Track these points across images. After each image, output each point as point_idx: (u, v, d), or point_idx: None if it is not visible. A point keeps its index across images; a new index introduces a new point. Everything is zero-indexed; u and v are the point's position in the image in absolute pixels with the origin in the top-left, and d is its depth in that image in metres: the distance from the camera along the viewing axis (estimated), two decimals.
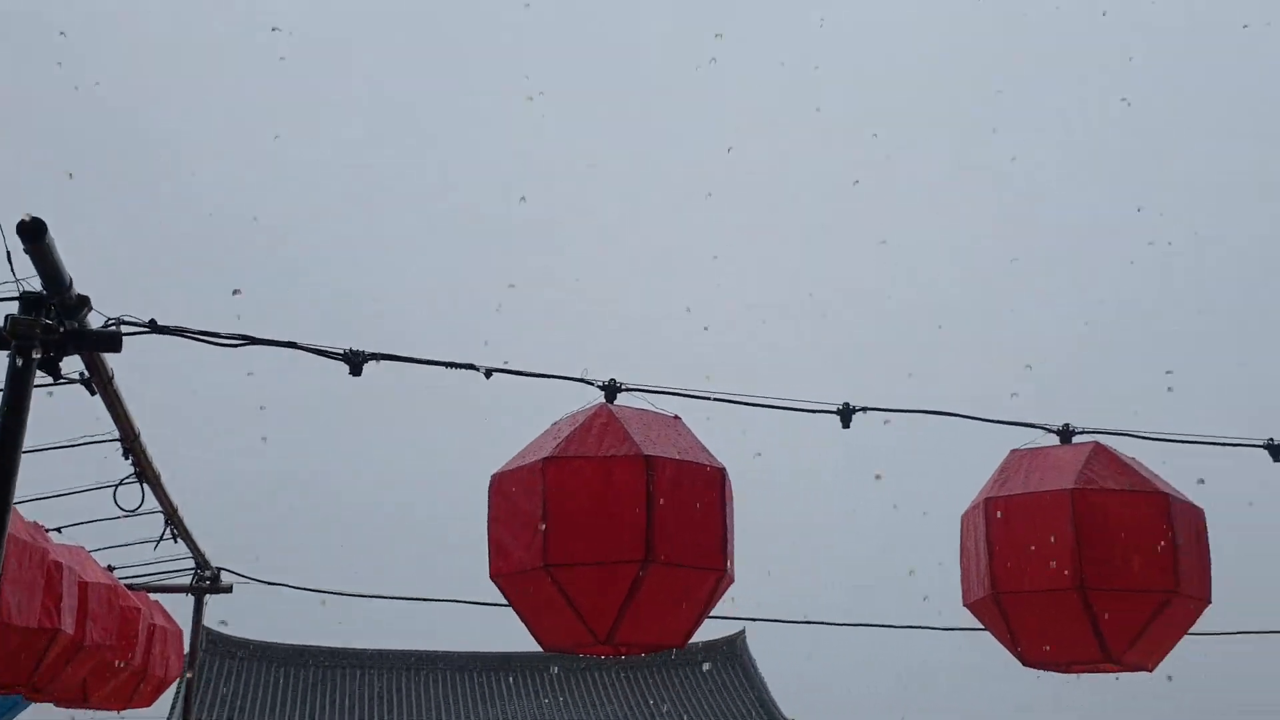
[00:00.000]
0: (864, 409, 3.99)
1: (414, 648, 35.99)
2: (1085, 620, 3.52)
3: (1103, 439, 3.84)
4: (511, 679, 35.51)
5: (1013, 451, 3.93)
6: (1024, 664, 3.81)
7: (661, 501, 3.32)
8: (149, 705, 6.83)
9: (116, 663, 5.76)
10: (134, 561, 6.51)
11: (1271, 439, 4.14)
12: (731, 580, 3.61)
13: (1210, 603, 3.69)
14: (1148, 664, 3.72)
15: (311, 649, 35.37)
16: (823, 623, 8.47)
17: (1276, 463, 4.14)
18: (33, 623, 4.21)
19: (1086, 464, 3.67)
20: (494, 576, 3.53)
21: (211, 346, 3.59)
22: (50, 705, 6.79)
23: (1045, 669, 3.80)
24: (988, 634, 4.02)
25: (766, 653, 37.40)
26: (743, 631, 37.99)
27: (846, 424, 3.97)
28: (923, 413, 4.13)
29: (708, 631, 40.64)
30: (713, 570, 3.44)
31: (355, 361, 3.57)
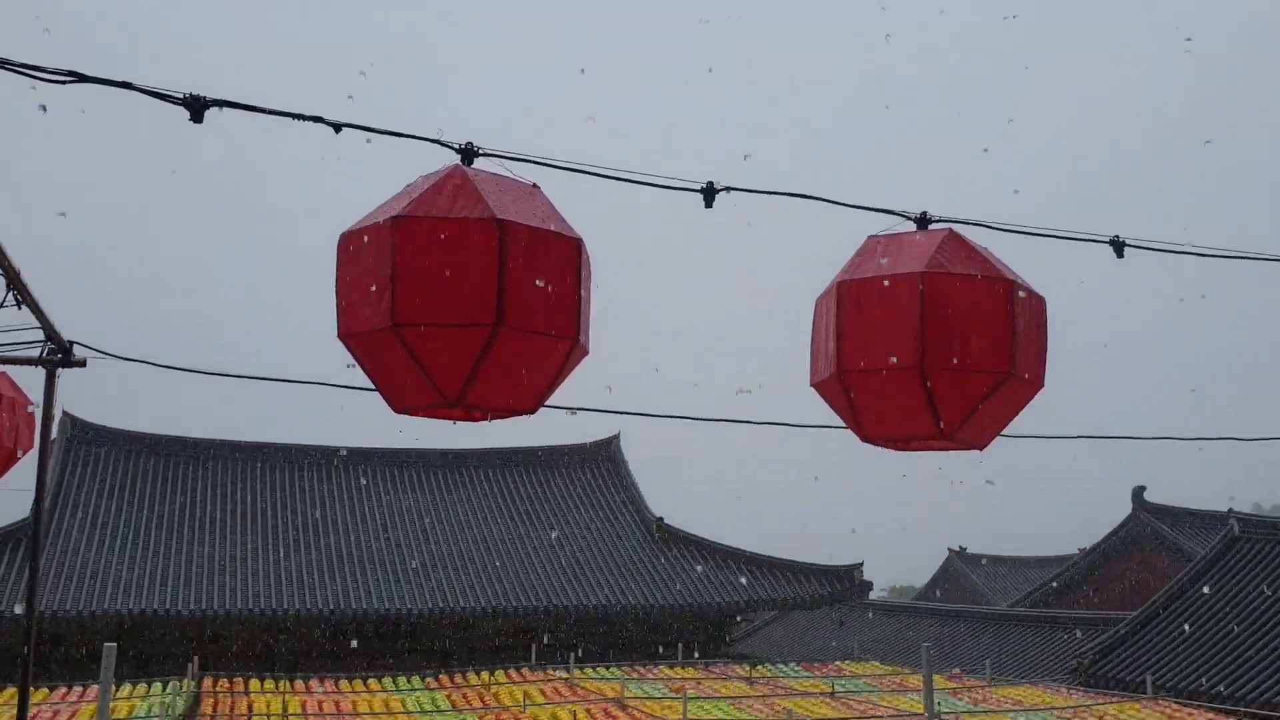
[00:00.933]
0: (727, 189, 3.97)
1: (285, 440, 36.10)
2: (922, 398, 3.66)
3: (958, 228, 3.92)
4: (387, 474, 35.99)
5: (870, 237, 3.98)
6: (862, 439, 3.97)
7: (513, 267, 3.28)
8: (0, 476, 6.68)
9: None
10: None
11: (1117, 236, 4.29)
12: (585, 352, 3.63)
13: (1043, 386, 3.87)
14: (979, 442, 3.92)
15: (183, 439, 35.13)
16: (684, 417, 8.67)
17: (1120, 259, 4.31)
18: None
19: (938, 249, 3.75)
20: (343, 336, 3.48)
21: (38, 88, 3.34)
22: None
23: (882, 445, 3.97)
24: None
25: (639, 456, 38.60)
26: (617, 434, 39.01)
27: (709, 204, 3.96)
28: (784, 194, 4.13)
29: (584, 434, 41.72)
30: (564, 339, 3.44)
31: (197, 107, 3.36)
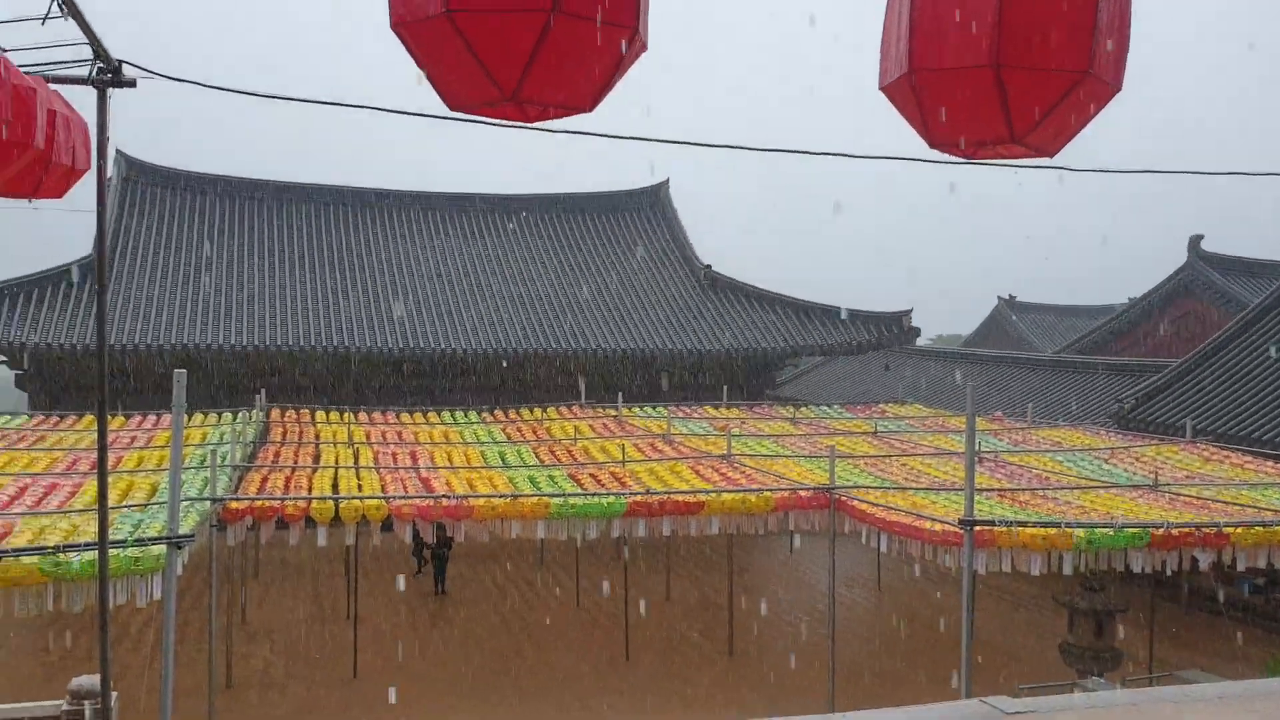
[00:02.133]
0: None
1: (346, 183, 36.25)
2: (995, 98, 3.51)
3: None
4: (441, 218, 36.15)
5: None
6: (930, 145, 3.85)
7: None
8: (60, 195, 6.74)
9: (17, 143, 5.58)
10: (20, 46, 6.15)
11: None
12: (645, 46, 3.50)
13: (1120, 89, 3.70)
14: (1050, 147, 3.79)
15: (237, 179, 35.34)
16: (739, 147, 8.48)
17: None
18: None
19: None
20: (395, 26, 3.37)
21: None
22: None
23: (950, 150, 3.84)
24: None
25: (690, 193, 38.37)
26: (666, 181, 38.65)
27: None
28: None
29: (633, 179, 41.36)
30: (624, 27, 3.31)
31: None
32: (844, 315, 32.47)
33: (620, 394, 27.11)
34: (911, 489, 17.47)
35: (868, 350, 33.16)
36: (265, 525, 14.98)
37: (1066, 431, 24.82)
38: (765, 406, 28.39)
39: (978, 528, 13.83)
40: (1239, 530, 14.89)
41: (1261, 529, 14.98)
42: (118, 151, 33.66)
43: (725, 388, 29.56)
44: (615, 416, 25.06)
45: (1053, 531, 14.26)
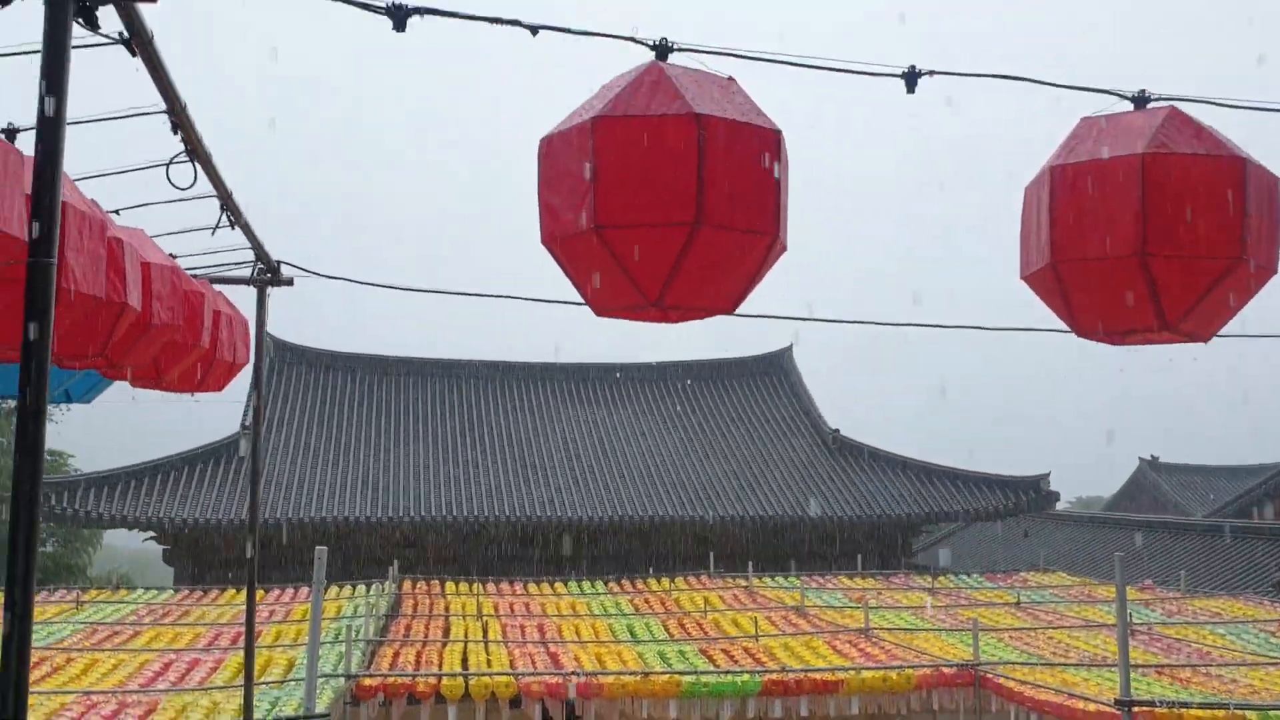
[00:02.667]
0: (930, 72, 3.81)
1: (475, 357, 37.40)
2: (1143, 287, 3.47)
3: (1180, 105, 3.66)
4: (569, 388, 36.87)
5: (1083, 119, 3.77)
6: (1078, 334, 3.80)
7: (712, 162, 3.24)
8: (220, 389, 7.12)
9: (185, 344, 5.95)
10: (193, 250, 6.63)
11: None
12: (784, 248, 3.59)
13: (1276, 272, 3.62)
14: (1204, 333, 3.70)
15: (377, 357, 36.81)
16: (866, 322, 8.50)
17: None
18: (100, 293, 4.29)
19: (1160, 128, 3.52)
20: (546, 241, 3.53)
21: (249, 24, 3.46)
22: (130, 395, 7.13)
23: (1099, 339, 3.79)
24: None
25: (809, 367, 38.41)
26: (789, 346, 38.82)
27: (911, 89, 3.81)
28: (992, 76, 3.94)
29: (755, 346, 41.53)
30: (764, 234, 3.40)
31: (399, 15, 3.43)
32: (979, 480, 31.60)
33: (750, 563, 26.64)
34: (1061, 665, 16.55)
35: (1005, 516, 32.09)
36: (397, 702, 14.96)
37: (1226, 602, 23.33)
38: (902, 575, 27.49)
39: (1136, 709, 12.96)
40: None
41: None
42: (269, 336, 35.51)
43: (859, 556, 28.81)
44: (746, 587, 24.56)
45: (1220, 714, 13.26)
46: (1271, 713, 13.42)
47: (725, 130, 3.29)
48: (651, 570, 27.83)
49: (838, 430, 33.98)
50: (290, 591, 22.69)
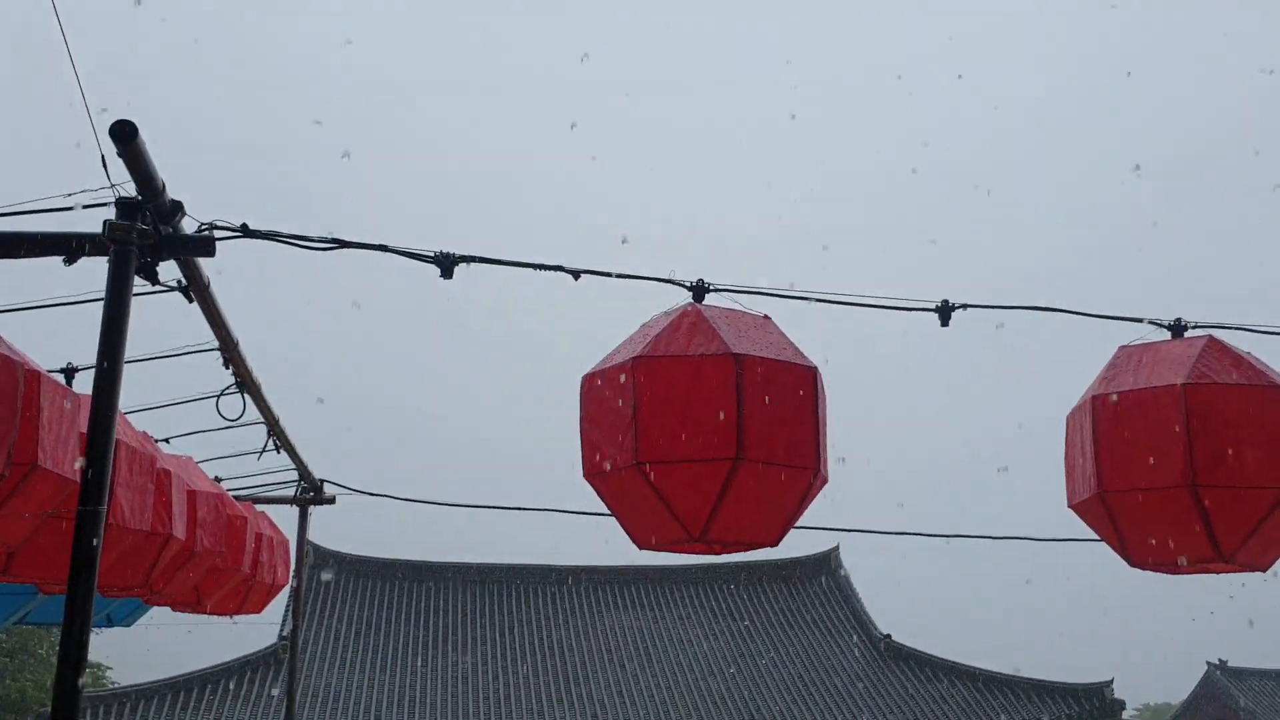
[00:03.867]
0: (964, 306, 3.87)
1: (507, 561, 37.00)
2: (1196, 518, 3.40)
3: (1217, 333, 3.68)
4: (610, 591, 36.27)
5: (1121, 348, 3.79)
6: (1131, 565, 3.71)
7: (752, 399, 3.28)
8: (259, 611, 7.09)
9: (227, 569, 5.96)
10: (239, 473, 6.72)
11: None
12: (825, 480, 3.57)
13: None
14: (1262, 563, 3.60)
15: (413, 563, 36.55)
16: (918, 533, 8.38)
17: None
18: (146, 526, 4.35)
19: (1199, 358, 3.52)
20: (588, 476, 3.54)
21: (303, 252, 3.62)
22: (168, 610, 7.10)
23: (1153, 569, 3.70)
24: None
25: (861, 564, 37.63)
26: (836, 547, 38.14)
27: (945, 322, 3.87)
28: (1027, 308, 4.00)
29: (803, 547, 40.88)
30: (805, 469, 3.40)
31: (446, 264, 3.57)
32: (1038, 687, 30.28)
33: None
34: None
35: None
36: None
37: None
38: None
39: None
40: None
41: None
42: (309, 543, 35.46)
43: None
44: None
45: None
46: None
47: (763, 368, 3.35)
48: None
49: (889, 636, 32.93)
50: None
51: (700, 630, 33.92)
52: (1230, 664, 49.29)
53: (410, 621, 33.37)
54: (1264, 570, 3.66)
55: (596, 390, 3.49)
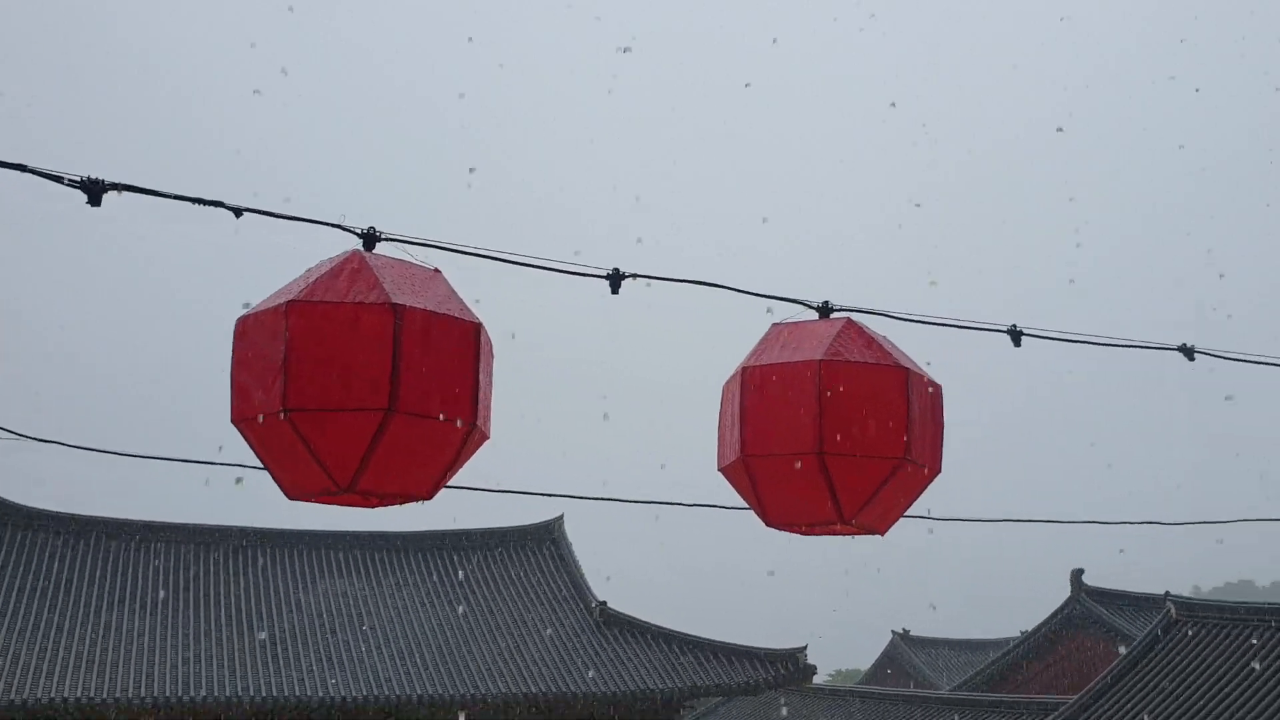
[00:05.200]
0: (633, 275, 4.02)
1: (203, 522, 35.33)
2: (823, 484, 3.70)
3: (857, 316, 4.00)
4: (321, 556, 35.34)
5: (774, 325, 4.05)
6: (766, 524, 3.99)
7: (408, 351, 3.28)
8: None
9: None
10: None
11: (1014, 325, 4.40)
12: (485, 436, 3.62)
13: (940, 472, 3.93)
14: (879, 527, 3.95)
15: (111, 520, 34.30)
16: (624, 500, 8.61)
17: (1017, 347, 4.42)
18: None
19: (837, 338, 3.82)
20: (236, 422, 3.44)
21: None
22: None
23: (786, 529, 3.99)
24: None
25: (577, 539, 38.34)
26: (560, 516, 38.72)
27: (615, 289, 4.00)
28: (687, 281, 4.20)
29: (526, 515, 41.34)
30: (461, 423, 3.43)
31: (95, 190, 3.35)
32: (740, 652, 31.92)
33: None
34: None
35: (765, 689, 32.37)
36: None
37: None
38: None
39: None
40: None
41: None
42: None
43: None
44: None
45: None
46: None
47: (423, 321, 3.35)
48: None
49: (605, 603, 33.77)
50: None
51: (416, 597, 33.63)
52: (912, 633, 53.74)
53: (96, 584, 31.30)
54: (881, 534, 4.03)
55: (249, 334, 3.40)
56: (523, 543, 37.82)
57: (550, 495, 6.42)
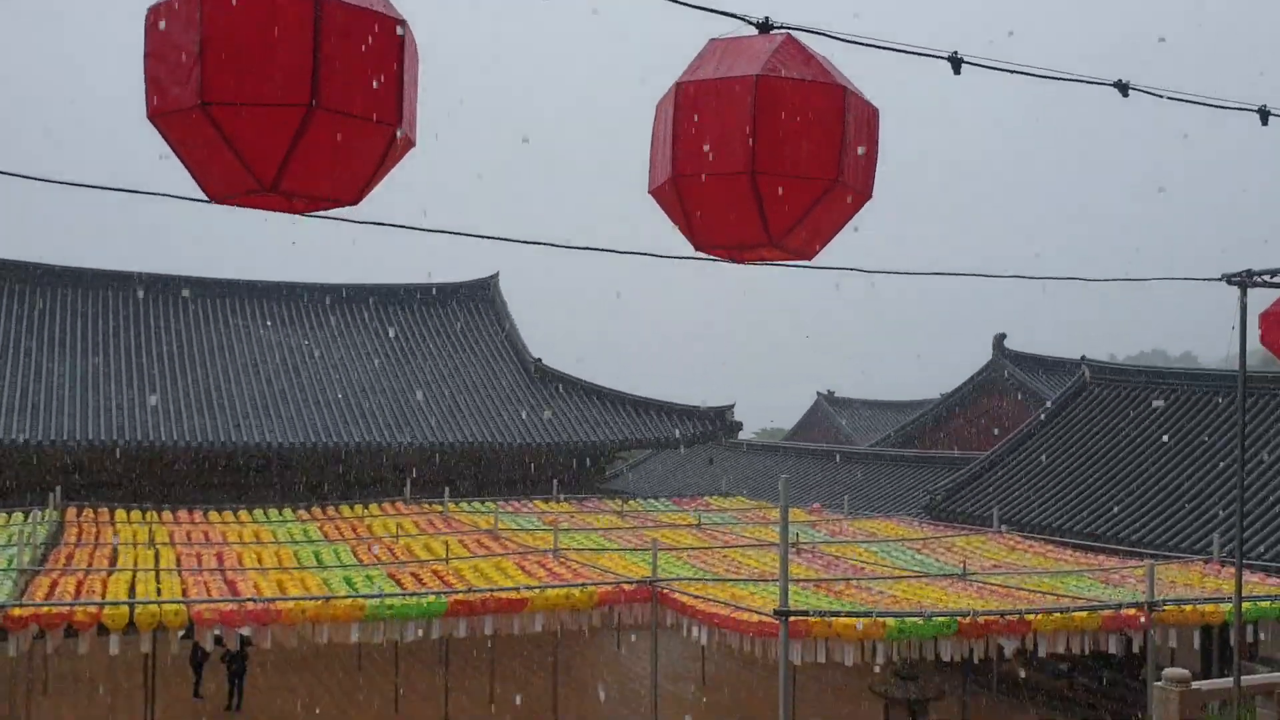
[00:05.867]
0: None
1: (152, 270, 34.91)
2: (753, 204, 3.68)
3: (797, 35, 3.88)
4: (257, 305, 35.22)
5: (711, 40, 3.92)
6: (696, 248, 3.99)
7: (328, 45, 3.14)
8: None
9: None
10: None
11: (955, 52, 4.33)
12: (411, 143, 3.53)
13: (871, 198, 3.93)
14: (808, 251, 3.98)
15: (37, 265, 33.70)
16: (555, 244, 8.57)
17: (957, 74, 4.36)
18: None
19: (775, 53, 3.72)
20: (151, 117, 3.31)
21: None
22: None
23: (715, 253, 4.00)
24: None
25: (516, 298, 38.56)
26: (496, 274, 38.78)
27: None
28: None
29: (462, 272, 41.20)
30: (385, 124, 3.34)
31: None
32: (670, 409, 32.93)
33: (447, 489, 26.67)
34: (730, 580, 17.66)
35: (693, 444, 33.65)
36: (53, 634, 13.99)
37: (881, 523, 25.63)
38: (594, 500, 28.38)
39: (792, 618, 14.02)
40: (1040, 617, 15.57)
41: (1060, 615, 15.70)
42: None
43: (555, 482, 29.45)
44: (441, 513, 24.60)
45: (866, 621, 14.60)
46: (907, 619, 14.92)
47: (344, 15, 3.19)
48: (346, 499, 27.33)
49: (540, 359, 34.39)
50: None
51: (352, 350, 33.91)
52: (836, 394, 55.64)
53: (26, 327, 31.03)
54: (809, 259, 4.06)
55: (162, 23, 3.21)
56: (459, 298, 37.96)
57: (481, 237, 6.34)
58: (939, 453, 35.20)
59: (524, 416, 31.60)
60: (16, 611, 13.52)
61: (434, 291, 37.78)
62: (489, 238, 7.74)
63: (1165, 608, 15.99)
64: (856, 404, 55.30)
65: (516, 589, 16.26)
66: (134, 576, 16.14)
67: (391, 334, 35.28)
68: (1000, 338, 39.52)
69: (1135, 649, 16.52)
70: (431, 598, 15.55)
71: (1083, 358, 30.31)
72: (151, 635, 14.22)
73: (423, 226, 7.74)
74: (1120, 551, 21.55)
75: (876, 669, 16.51)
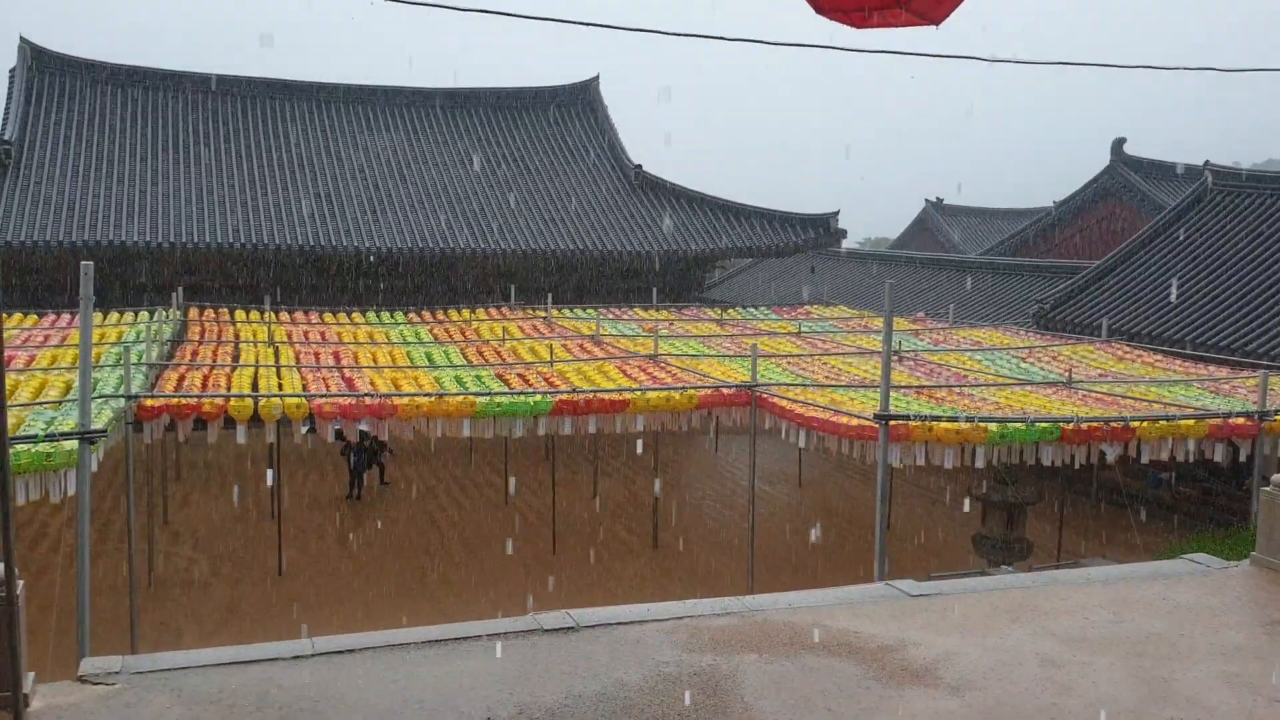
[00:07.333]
0: None
1: (270, 75, 35.22)
2: None
3: None
4: (363, 111, 35.35)
5: None
6: (817, 12, 3.83)
7: None
8: None
9: None
10: None
11: None
12: None
13: None
14: (935, 14, 3.79)
15: (154, 70, 34.18)
16: (663, 32, 8.32)
17: None
18: None
19: None
20: None
21: None
22: None
23: (839, 19, 3.83)
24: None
25: (618, 101, 37.86)
26: (596, 77, 38.08)
27: None
28: None
29: (560, 76, 40.76)
30: None
31: None
32: (772, 217, 32.50)
33: (549, 296, 27.01)
34: (831, 386, 17.74)
35: (795, 252, 33.31)
36: (182, 424, 14.79)
37: (986, 332, 25.30)
38: (693, 308, 28.49)
39: (892, 422, 14.11)
40: (1144, 425, 15.37)
41: (1165, 423, 15.48)
42: (21, 39, 32.24)
43: (654, 290, 29.58)
44: (544, 318, 25.01)
45: (966, 426, 14.57)
46: (1009, 425, 14.86)
47: None
48: (451, 302, 27.92)
49: (640, 166, 34.03)
50: (67, 317, 21.71)
51: (454, 155, 33.95)
52: (945, 202, 54.17)
53: (148, 132, 31.70)
54: (937, 23, 3.87)
55: None
56: (559, 104, 37.50)
57: (577, 24, 6.12)
58: (1050, 261, 34.27)
59: (624, 223, 31.54)
60: (150, 402, 14.28)
61: (534, 95, 37.35)
62: (597, 25, 7.55)
63: (1277, 418, 15.64)
64: (966, 211, 53.82)
65: (619, 390, 16.58)
66: (255, 372, 16.85)
67: (492, 140, 35.18)
68: (1119, 142, 37.76)
69: (1241, 458, 16.27)
70: (538, 397, 15.96)
71: (1206, 163, 28.83)
72: (276, 427, 14.92)
73: (524, 14, 7.58)
74: (1232, 362, 20.98)
75: (975, 473, 16.59)
